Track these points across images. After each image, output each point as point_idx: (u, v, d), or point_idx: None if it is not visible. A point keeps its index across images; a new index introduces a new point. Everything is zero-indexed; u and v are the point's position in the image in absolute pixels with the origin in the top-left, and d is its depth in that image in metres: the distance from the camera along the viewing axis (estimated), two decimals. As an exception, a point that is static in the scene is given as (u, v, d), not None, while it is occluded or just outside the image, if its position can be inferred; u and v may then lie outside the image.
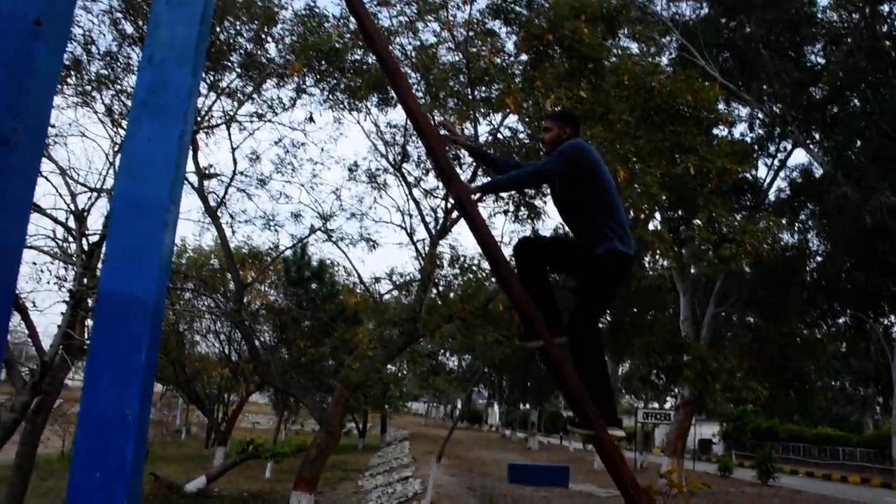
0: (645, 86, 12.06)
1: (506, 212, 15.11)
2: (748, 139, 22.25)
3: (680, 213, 17.21)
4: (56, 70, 2.18)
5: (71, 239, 10.97)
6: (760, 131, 22.79)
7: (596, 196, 3.93)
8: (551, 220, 17.11)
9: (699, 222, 14.45)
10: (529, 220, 15.24)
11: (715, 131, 17.34)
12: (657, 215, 17.40)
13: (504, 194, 14.09)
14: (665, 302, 25.53)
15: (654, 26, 18.75)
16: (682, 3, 22.05)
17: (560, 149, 3.97)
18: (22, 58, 1.98)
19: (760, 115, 22.26)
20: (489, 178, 4.00)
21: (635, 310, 23.15)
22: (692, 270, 21.66)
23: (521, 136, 14.05)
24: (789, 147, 22.55)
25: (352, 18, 12.71)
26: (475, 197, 3.83)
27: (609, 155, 11.64)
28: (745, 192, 22.61)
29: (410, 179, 15.40)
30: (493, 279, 12.01)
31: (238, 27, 13.60)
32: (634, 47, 15.56)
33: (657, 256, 17.54)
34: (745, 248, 12.19)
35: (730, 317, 25.21)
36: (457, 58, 13.72)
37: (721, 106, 17.54)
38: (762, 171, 23.74)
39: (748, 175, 21.78)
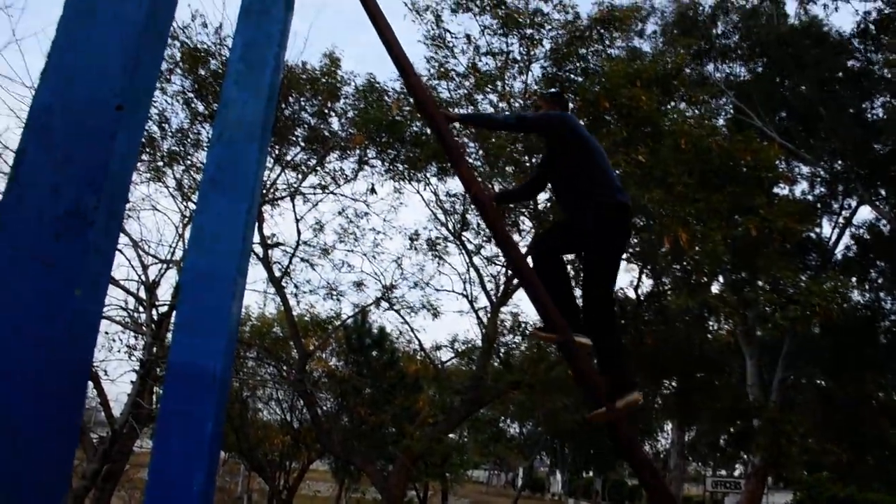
0: (703, 147, 12.01)
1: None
2: (810, 197, 21.77)
3: (743, 274, 16.86)
4: (135, 150, 2.30)
5: (141, 309, 11.31)
6: (822, 189, 22.27)
7: (586, 159, 4.05)
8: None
9: (763, 284, 14.11)
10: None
11: (775, 190, 17.08)
12: (720, 278, 17.07)
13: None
14: (731, 366, 24.80)
15: (709, 88, 18.73)
16: (735, 64, 22.01)
17: (546, 112, 4.26)
18: (104, 140, 2.10)
19: (822, 173, 21.80)
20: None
21: (701, 375, 22.55)
22: (758, 333, 20.97)
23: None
24: (854, 204, 21.95)
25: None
26: (453, 122, 4.03)
27: (669, 218, 11.56)
28: (810, 251, 21.99)
29: (470, 247, 15.49)
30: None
31: (302, 103, 14.09)
32: (689, 110, 15.58)
33: (721, 320, 17.13)
34: (812, 308, 11.82)
35: (799, 380, 24.26)
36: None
37: (781, 165, 17.28)
38: (826, 230, 23.15)
39: (812, 234, 21.23)
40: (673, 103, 14.39)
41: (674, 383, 20.93)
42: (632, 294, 15.74)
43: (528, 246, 4.11)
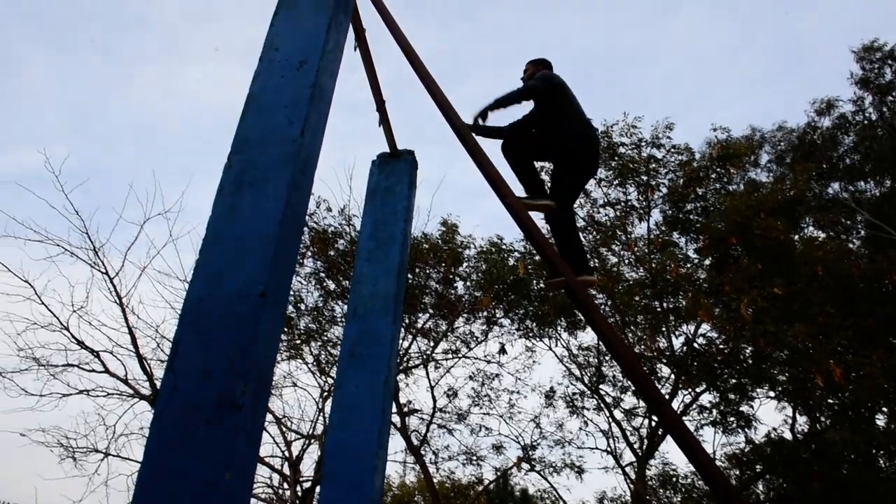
0: (843, 273, 11.43)
1: (714, 423, 14.25)
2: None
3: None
4: (277, 334, 2.42)
5: (286, 485, 11.45)
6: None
7: (559, 103, 4.75)
8: (764, 426, 15.74)
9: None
10: (741, 430, 14.21)
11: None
12: (884, 408, 15.63)
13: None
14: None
15: (839, 209, 18.05)
16: (861, 182, 21.21)
17: (536, 76, 4.95)
18: (249, 327, 2.23)
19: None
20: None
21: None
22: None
23: (719, 343, 13.49)
24: None
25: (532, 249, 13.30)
26: (477, 121, 4.64)
27: (817, 353, 10.88)
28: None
29: (609, 400, 15.03)
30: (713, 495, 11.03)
31: (427, 271, 14.54)
32: (820, 234, 15.01)
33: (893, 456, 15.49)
34: None
35: None
36: (640, 273, 13.78)
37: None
38: None
39: None
40: (802, 230, 13.96)
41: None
42: (788, 435, 14.61)
43: (502, 149, 4.58)
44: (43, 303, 10.95)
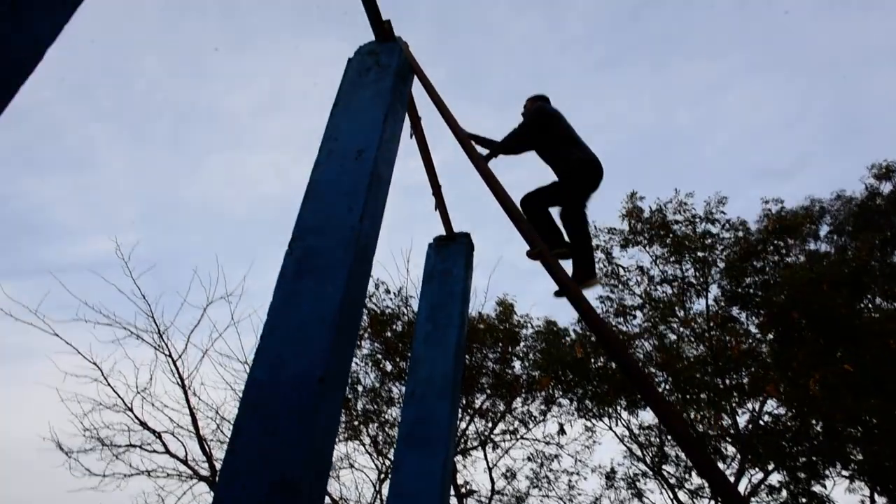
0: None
1: (784, 505, 13.63)
2: None
3: None
4: (336, 418, 2.45)
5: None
6: None
7: (559, 132, 5.11)
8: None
9: None
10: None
11: None
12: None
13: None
14: None
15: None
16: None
17: (530, 113, 5.35)
18: (309, 412, 2.26)
19: None
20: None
21: None
22: None
23: (786, 420, 12.99)
24: None
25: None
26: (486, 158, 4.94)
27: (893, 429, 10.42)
28: None
29: (672, 481, 14.52)
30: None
31: (484, 351, 14.47)
32: (885, 304, 14.53)
33: None
34: None
35: None
36: (701, 349, 13.50)
37: None
38: None
39: None
40: (869, 300, 13.55)
41: None
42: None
43: (521, 200, 5.05)
44: (109, 384, 11.23)
